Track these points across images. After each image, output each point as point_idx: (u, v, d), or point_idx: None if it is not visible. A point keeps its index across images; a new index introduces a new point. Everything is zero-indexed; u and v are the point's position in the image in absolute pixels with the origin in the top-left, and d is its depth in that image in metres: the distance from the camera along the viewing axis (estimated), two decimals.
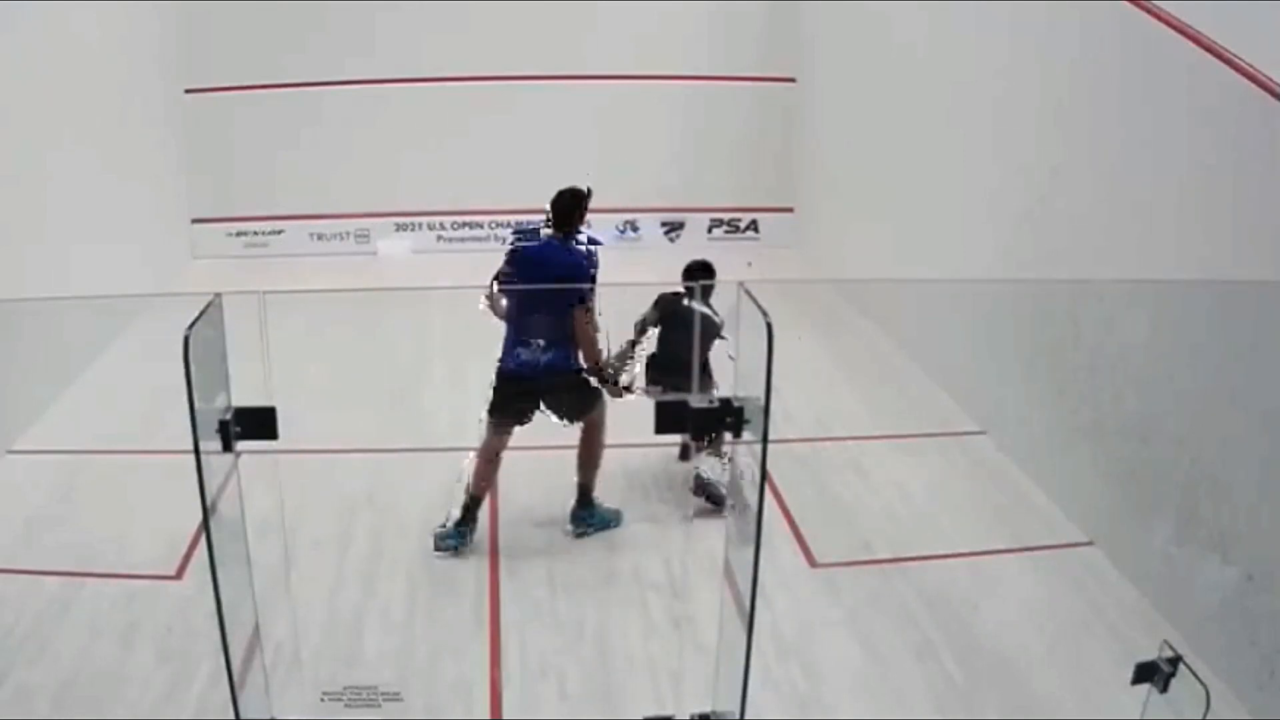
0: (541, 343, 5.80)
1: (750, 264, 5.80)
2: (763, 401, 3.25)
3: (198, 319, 3.16)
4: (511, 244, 6.06)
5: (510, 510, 6.20)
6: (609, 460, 6.43)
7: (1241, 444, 4.64)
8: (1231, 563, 4.65)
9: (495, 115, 11.64)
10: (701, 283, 6.20)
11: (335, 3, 11.18)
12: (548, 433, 7.20)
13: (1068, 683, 4.71)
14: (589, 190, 5.86)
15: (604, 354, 5.81)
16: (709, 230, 11.92)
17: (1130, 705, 3.73)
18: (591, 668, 4.83)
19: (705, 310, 5.94)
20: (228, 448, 3.42)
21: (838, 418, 7.43)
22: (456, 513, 5.77)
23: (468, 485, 5.81)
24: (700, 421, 3.55)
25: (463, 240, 12.06)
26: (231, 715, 3.53)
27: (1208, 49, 4.88)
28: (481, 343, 8.98)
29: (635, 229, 11.87)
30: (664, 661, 4.78)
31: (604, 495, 6.26)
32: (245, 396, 3.50)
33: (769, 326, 3.12)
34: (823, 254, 11.10)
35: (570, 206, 5.87)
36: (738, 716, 3.62)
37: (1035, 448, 6.52)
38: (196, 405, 3.11)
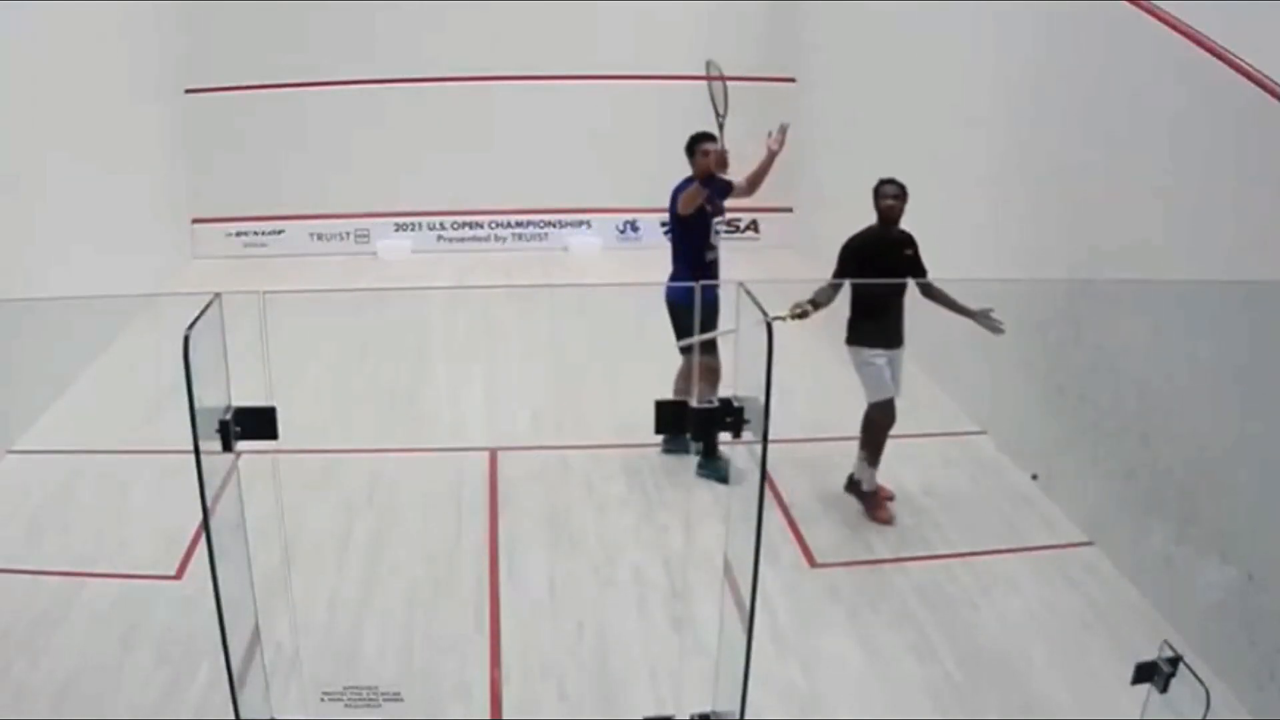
0: (670, 268, 6.65)
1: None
2: (763, 401, 3.24)
3: (198, 319, 3.15)
4: None
5: (510, 510, 6.20)
6: (611, 459, 6.47)
7: (1241, 444, 4.64)
8: (1231, 563, 4.65)
9: (495, 115, 11.64)
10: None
11: (335, 3, 11.18)
12: (546, 432, 7.23)
13: (1068, 683, 4.71)
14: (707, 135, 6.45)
15: (696, 200, 6.33)
16: None
17: (1130, 705, 3.73)
18: (591, 668, 4.83)
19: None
20: (228, 448, 3.42)
21: (838, 418, 7.41)
22: None
23: None
24: (700, 421, 3.55)
25: (463, 240, 12.07)
26: (231, 715, 3.53)
27: (1208, 49, 4.88)
28: (481, 342, 9.03)
29: (635, 229, 11.88)
30: (664, 661, 4.78)
31: (604, 493, 6.28)
32: (245, 396, 3.50)
33: (769, 326, 3.11)
34: (823, 254, 11.08)
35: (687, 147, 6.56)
36: (738, 716, 3.62)
37: (1035, 448, 6.52)
38: (196, 405, 3.11)
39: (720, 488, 5.83)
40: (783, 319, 5.63)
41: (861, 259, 5.94)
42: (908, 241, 6.08)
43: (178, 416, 3.22)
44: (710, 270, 6.54)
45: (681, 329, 6.49)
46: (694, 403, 3.59)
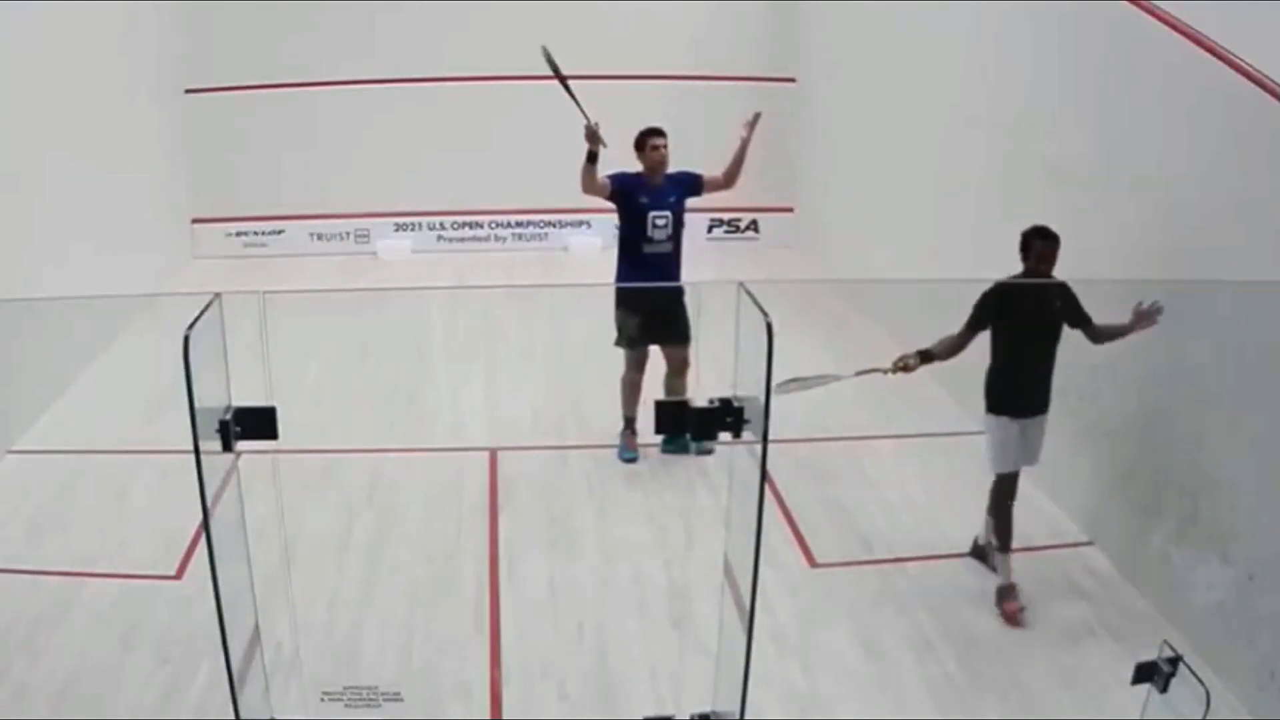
0: None
1: None
2: (763, 401, 3.24)
3: (198, 319, 3.15)
4: None
5: (510, 510, 6.20)
6: (610, 459, 6.47)
7: (1241, 444, 4.64)
8: (1231, 563, 4.65)
9: (495, 115, 11.62)
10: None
11: (335, 3, 11.16)
12: (546, 432, 7.24)
13: (1068, 683, 4.71)
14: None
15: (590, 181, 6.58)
16: (709, 230, 11.91)
17: (1130, 705, 3.73)
18: (591, 668, 4.83)
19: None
20: (228, 448, 3.42)
21: (838, 418, 7.42)
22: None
23: None
24: (700, 421, 3.54)
25: (463, 240, 12.06)
26: (231, 715, 3.53)
27: (1208, 49, 4.88)
28: (481, 342, 9.02)
29: None
30: (664, 661, 4.78)
31: (604, 493, 6.37)
32: (245, 396, 3.50)
33: (769, 326, 3.11)
34: (823, 254, 11.10)
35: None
36: (738, 716, 3.62)
37: None
38: (196, 405, 3.11)
39: (721, 488, 5.82)
40: (883, 371, 5.41)
41: (1001, 311, 5.18)
42: (1059, 291, 5.23)
43: (178, 416, 3.22)
44: (652, 265, 6.57)
45: (618, 326, 6.65)
46: (695, 402, 3.59)
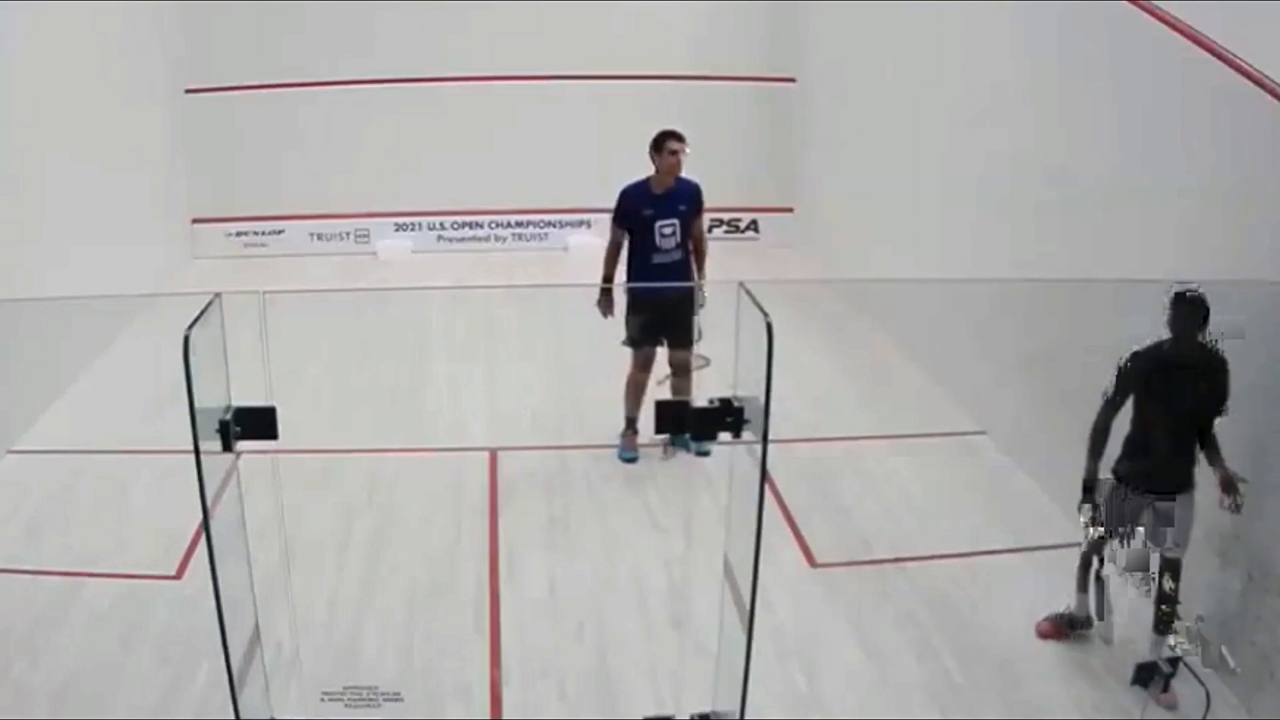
0: None
1: None
2: (763, 401, 3.25)
3: (198, 319, 3.16)
4: None
5: (510, 510, 6.20)
6: (610, 459, 6.47)
7: (1241, 444, 4.63)
8: (1231, 563, 4.65)
9: (495, 115, 11.63)
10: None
11: (335, 3, 11.17)
12: (546, 432, 7.24)
13: (1068, 683, 4.71)
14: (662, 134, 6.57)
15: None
16: (709, 230, 11.90)
17: (1130, 705, 3.74)
18: (591, 668, 4.83)
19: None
20: (228, 448, 3.42)
21: (838, 418, 7.43)
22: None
23: None
24: (700, 421, 3.55)
25: (463, 240, 12.06)
26: (231, 715, 3.53)
27: (1208, 49, 4.88)
28: (481, 342, 9.03)
29: None
30: (664, 661, 4.78)
31: (604, 493, 6.38)
32: (245, 396, 3.50)
33: (769, 326, 3.12)
34: (823, 254, 11.10)
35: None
36: (738, 716, 3.63)
37: (1035, 448, 6.51)
38: (196, 405, 3.11)
39: (721, 488, 5.82)
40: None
41: (1142, 381, 4.59)
42: (1211, 368, 4.47)
43: (178, 416, 3.23)
44: (662, 274, 6.58)
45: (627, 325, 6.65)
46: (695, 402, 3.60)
